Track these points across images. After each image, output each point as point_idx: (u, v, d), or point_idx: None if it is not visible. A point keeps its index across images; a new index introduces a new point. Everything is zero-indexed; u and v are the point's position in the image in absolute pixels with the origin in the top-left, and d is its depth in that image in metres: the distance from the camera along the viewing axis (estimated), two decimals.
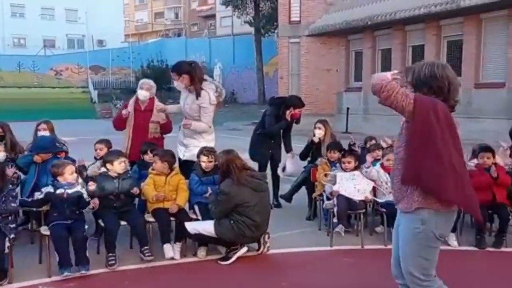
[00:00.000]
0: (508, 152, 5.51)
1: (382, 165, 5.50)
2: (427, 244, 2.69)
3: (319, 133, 6.49)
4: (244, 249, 4.67)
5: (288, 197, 6.55)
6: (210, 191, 4.80)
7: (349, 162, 5.43)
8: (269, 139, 6.77)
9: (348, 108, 18.16)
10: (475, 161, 5.54)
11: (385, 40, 17.23)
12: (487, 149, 5.38)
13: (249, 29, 31.77)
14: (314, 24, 19.00)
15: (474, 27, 14.14)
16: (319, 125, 6.56)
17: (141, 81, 6.05)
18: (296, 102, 6.81)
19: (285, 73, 20.09)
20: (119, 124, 5.83)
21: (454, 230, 5.22)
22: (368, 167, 5.47)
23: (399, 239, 2.83)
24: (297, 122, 6.88)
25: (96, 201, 4.35)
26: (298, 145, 7.03)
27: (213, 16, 47.84)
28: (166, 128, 5.90)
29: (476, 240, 5.18)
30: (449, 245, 5.15)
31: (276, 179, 6.85)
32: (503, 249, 5.09)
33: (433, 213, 2.65)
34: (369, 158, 5.66)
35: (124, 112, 5.71)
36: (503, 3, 12.79)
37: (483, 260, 4.91)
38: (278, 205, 6.71)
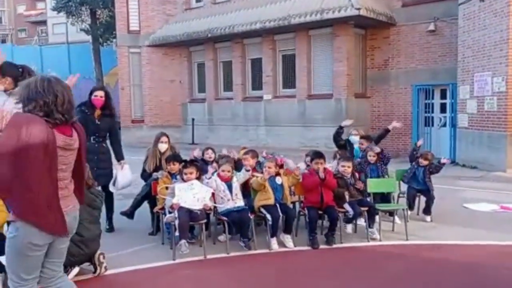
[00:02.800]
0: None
1: (218, 175, 5.67)
2: (21, 252, 2.72)
3: (163, 146, 6.39)
4: (75, 270, 4.38)
5: (130, 214, 6.31)
6: None
7: (191, 173, 5.47)
8: (90, 154, 5.72)
9: (193, 119, 18.45)
10: (303, 165, 6.09)
11: (226, 52, 17.86)
12: (319, 155, 5.93)
13: (86, 37, 30.15)
14: (155, 34, 18.87)
15: (304, 42, 15.48)
16: (164, 139, 6.46)
17: None
18: (91, 90, 6.08)
19: (127, 83, 19.55)
20: None
21: (289, 232, 5.65)
22: (209, 178, 5.59)
23: None
24: (110, 114, 6.15)
25: None
26: (140, 157, 6.88)
27: (44, 22, 44.30)
28: None
29: (309, 240, 5.64)
30: (286, 246, 5.55)
31: (109, 200, 6.21)
32: (334, 245, 5.63)
33: (24, 224, 2.68)
34: (210, 169, 5.80)
35: None
36: (328, 22, 14.28)
37: (316, 257, 5.35)
38: (111, 229, 6.29)
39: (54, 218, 2.73)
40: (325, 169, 5.85)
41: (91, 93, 6.07)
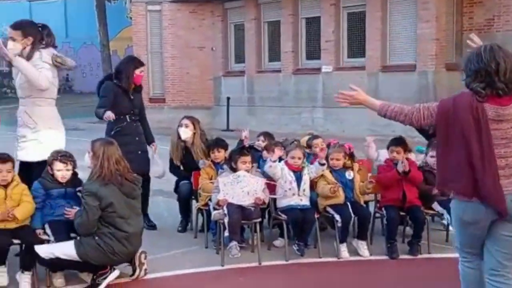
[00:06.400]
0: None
1: (286, 163, 6.17)
2: (455, 225, 3.83)
3: (185, 131, 6.85)
4: (115, 272, 5.02)
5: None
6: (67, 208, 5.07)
7: (247, 162, 6.03)
8: (130, 136, 6.67)
9: (228, 98, 18.67)
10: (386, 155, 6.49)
11: (273, 10, 18.20)
12: (396, 142, 6.32)
13: None
14: None
15: None
16: (185, 121, 6.94)
17: None
18: (135, 62, 6.91)
19: (143, 51, 19.85)
20: None
21: (365, 237, 6.12)
22: (275, 161, 6.07)
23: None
24: (140, 89, 7.03)
25: None
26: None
27: None
28: None
29: (387, 248, 6.09)
30: (360, 255, 6.04)
31: (145, 190, 6.68)
32: (419, 256, 6.04)
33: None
34: (278, 152, 6.24)
35: None
36: None
37: (397, 269, 5.81)
38: (153, 226, 6.95)
39: (497, 196, 3.48)
40: (407, 159, 6.20)
41: (133, 67, 6.77)
